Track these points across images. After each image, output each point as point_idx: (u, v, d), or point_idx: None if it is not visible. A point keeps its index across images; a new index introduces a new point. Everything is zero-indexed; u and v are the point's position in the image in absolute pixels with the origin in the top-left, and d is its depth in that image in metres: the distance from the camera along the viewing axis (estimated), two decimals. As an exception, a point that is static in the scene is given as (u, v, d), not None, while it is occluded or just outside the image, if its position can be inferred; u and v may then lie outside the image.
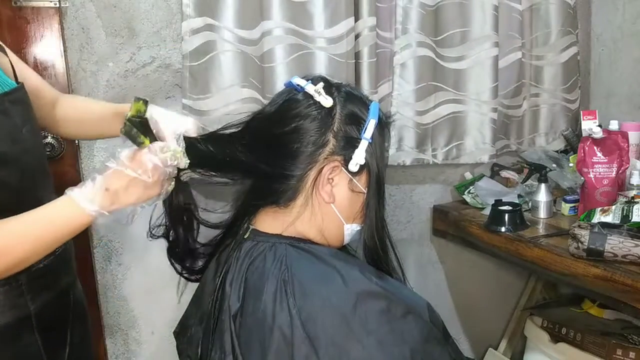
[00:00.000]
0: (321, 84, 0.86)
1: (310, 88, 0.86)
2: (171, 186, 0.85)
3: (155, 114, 0.86)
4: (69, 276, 1.00)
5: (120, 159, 0.80)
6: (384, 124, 0.91)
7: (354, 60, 1.46)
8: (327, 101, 0.85)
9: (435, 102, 1.63)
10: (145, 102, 0.83)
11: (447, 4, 1.59)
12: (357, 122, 0.87)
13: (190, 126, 0.88)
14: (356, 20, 1.45)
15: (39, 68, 1.26)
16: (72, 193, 0.79)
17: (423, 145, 1.64)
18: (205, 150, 0.87)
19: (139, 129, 0.81)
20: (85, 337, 1.05)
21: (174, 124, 0.87)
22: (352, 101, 0.88)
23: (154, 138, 0.84)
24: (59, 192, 0.82)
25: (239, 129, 0.90)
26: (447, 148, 1.66)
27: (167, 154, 0.81)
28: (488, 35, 1.61)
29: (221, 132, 0.90)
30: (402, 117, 1.59)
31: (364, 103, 0.89)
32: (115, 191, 0.79)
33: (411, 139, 1.62)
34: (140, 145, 0.82)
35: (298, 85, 0.87)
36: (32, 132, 0.89)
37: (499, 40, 1.63)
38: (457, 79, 1.64)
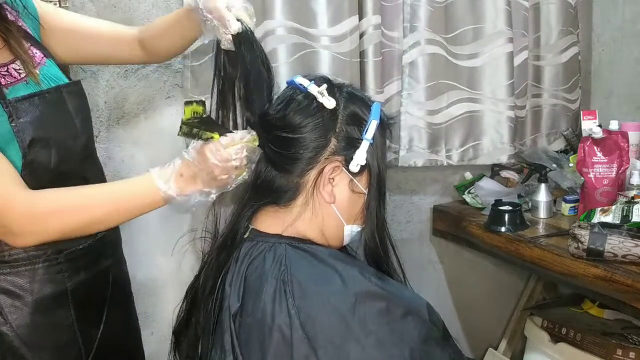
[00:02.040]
0: (325, 85, 0.86)
1: (313, 89, 0.86)
2: (243, 175, 0.89)
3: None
4: (109, 259, 1.05)
5: (190, 150, 0.87)
6: (385, 125, 0.91)
7: (358, 59, 1.44)
8: (330, 103, 0.85)
9: (448, 101, 1.60)
10: (201, 103, 0.87)
11: (457, 0, 1.57)
12: (359, 122, 0.87)
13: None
14: (360, 18, 1.44)
15: (39, 68, 1.26)
16: (153, 171, 0.88)
17: (436, 146, 1.60)
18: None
19: (202, 127, 0.86)
20: (124, 318, 1.12)
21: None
22: (354, 102, 0.88)
23: (225, 131, 0.88)
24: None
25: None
26: (463, 149, 1.63)
27: (230, 149, 0.85)
28: (502, 31, 1.58)
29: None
30: (412, 117, 1.56)
31: (366, 104, 0.89)
32: (186, 179, 0.87)
33: (423, 139, 1.58)
34: (207, 140, 0.86)
35: (301, 84, 0.87)
36: (83, 121, 0.98)
37: (513, 36, 1.60)
38: (471, 77, 1.61)
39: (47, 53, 0.98)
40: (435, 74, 1.57)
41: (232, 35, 0.88)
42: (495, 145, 1.64)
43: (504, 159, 1.65)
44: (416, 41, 1.55)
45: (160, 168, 0.89)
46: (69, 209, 0.87)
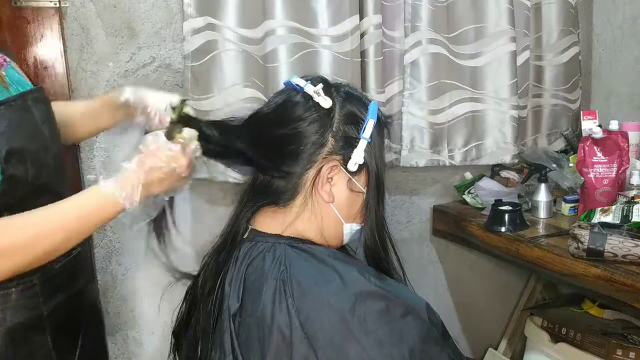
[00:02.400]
0: (320, 85, 0.86)
1: (309, 88, 0.86)
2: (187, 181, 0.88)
3: (138, 95, 0.90)
4: (84, 278, 0.99)
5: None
6: (383, 124, 0.91)
7: (359, 59, 1.44)
8: (326, 102, 0.85)
9: (450, 100, 1.60)
10: (183, 102, 0.88)
11: (457, 1, 1.57)
12: (356, 122, 0.87)
13: (175, 99, 0.91)
14: (361, 18, 1.44)
15: (39, 68, 1.26)
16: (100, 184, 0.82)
17: (438, 146, 1.60)
18: (211, 136, 0.88)
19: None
20: (97, 341, 1.05)
21: (160, 98, 0.92)
22: (351, 101, 0.88)
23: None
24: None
25: (239, 126, 0.91)
26: (466, 149, 1.63)
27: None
28: (504, 30, 1.58)
29: (223, 120, 0.92)
30: (414, 117, 1.56)
31: (363, 103, 0.89)
32: (132, 180, 0.82)
33: (425, 139, 1.58)
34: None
35: (297, 85, 0.87)
36: (50, 130, 0.90)
37: (515, 35, 1.60)
38: (473, 77, 1.61)
39: (7, 53, 0.92)
40: (437, 74, 1.57)
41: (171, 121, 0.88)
42: (498, 145, 1.64)
43: (507, 159, 1.65)
44: (417, 41, 1.55)
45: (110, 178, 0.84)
46: (19, 245, 0.77)
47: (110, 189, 0.81)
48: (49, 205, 0.80)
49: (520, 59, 1.68)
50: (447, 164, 1.62)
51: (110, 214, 0.82)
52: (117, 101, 1.01)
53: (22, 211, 0.79)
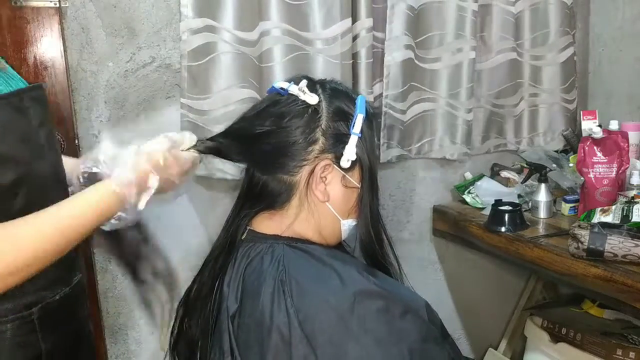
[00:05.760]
0: (304, 82, 0.86)
1: (293, 89, 0.85)
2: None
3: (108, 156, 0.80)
4: (82, 310, 0.91)
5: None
6: (371, 117, 0.90)
7: (350, 61, 1.47)
8: (312, 99, 0.84)
9: (412, 100, 1.66)
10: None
11: (428, 7, 1.61)
12: (345, 117, 0.86)
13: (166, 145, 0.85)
14: (354, 21, 1.46)
15: (39, 68, 1.26)
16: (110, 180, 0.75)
17: (403, 141, 1.67)
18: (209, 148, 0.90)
19: None
20: None
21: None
22: (337, 97, 0.87)
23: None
24: None
25: (223, 135, 0.91)
26: (420, 143, 1.70)
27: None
28: (466, 39, 1.64)
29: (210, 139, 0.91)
30: (391, 117, 1.61)
31: (350, 97, 0.88)
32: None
33: (397, 136, 1.65)
34: None
35: (281, 88, 0.87)
36: (48, 136, 0.80)
37: (476, 44, 1.66)
38: (432, 79, 1.67)
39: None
40: (408, 76, 1.61)
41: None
42: (447, 142, 1.70)
43: (455, 156, 1.71)
44: (396, 44, 1.58)
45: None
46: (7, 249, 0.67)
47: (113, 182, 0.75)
48: (43, 210, 0.70)
49: (497, 61, 1.74)
50: (406, 157, 1.69)
51: (109, 201, 0.75)
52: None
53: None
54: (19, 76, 0.83)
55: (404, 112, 1.64)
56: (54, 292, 0.79)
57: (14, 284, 0.67)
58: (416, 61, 1.63)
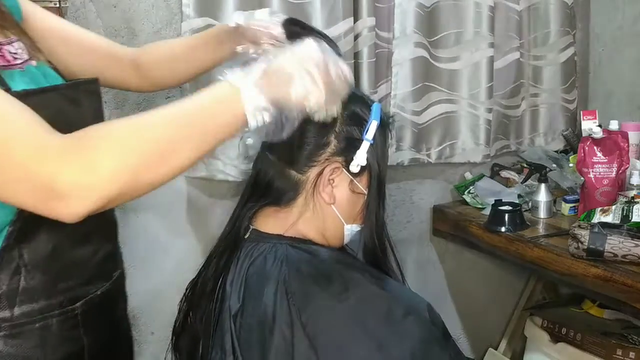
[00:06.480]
0: None
1: None
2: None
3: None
4: (122, 305, 0.91)
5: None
6: (385, 125, 0.91)
7: (352, 61, 1.46)
8: None
9: (429, 101, 1.64)
10: None
11: (442, 5, 1.60)
12: (359, 122, 0.86)
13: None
14: (355, 20, 1.46)
15: (39, 68, 1.26)
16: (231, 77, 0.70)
17: (419, 145, 1.65)
18: None
19: None
20: None
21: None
22: (353, 102, 0.87)
23: None
24: None
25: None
26: (441, 147, 1.67)
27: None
28: (484, 36, 1.62)
29: None
30: (401, 118, 1.60)
31: (366, 103, 0.89)
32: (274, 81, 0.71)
33: (408, 138, 1.63)
34: None
35: None
36: None
37: (494, 41, 1.63)
38: (451, 80, 1.65)
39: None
40: (420, 76, 1.60)
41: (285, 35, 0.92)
42: (470, 145, 1.68)
43: (478, 158, 1.69)
44: (405, 43, 1.57)
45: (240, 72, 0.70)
46: (130, 134, 0.63)
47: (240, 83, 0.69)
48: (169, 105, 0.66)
49: (507, 60, 1.73)
50: (426, 161, 1.67)
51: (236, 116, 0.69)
52: (224, 30, 0.97)
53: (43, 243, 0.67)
54: (54, 73, 0.81)
55: (417, 113, 1.61)
56: (97, 287, 0.79)
57: (150, 182, 0.64)
58: (431, 60, 1.61)
